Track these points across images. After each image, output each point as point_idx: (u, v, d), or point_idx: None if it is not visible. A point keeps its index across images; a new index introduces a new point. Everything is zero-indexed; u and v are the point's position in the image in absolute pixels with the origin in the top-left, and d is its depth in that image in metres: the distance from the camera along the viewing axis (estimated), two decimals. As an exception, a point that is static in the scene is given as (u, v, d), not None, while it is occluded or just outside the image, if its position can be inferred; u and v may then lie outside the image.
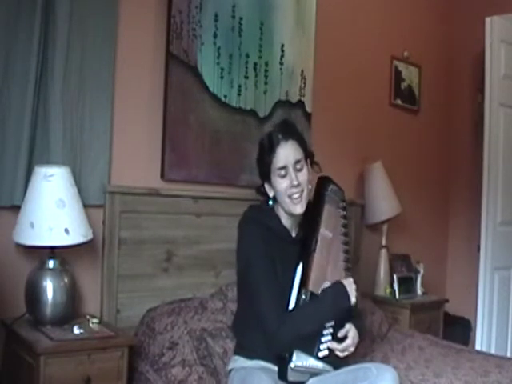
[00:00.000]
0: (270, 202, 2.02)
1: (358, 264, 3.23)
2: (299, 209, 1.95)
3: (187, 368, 2.08)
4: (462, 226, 4.02)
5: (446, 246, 4.14)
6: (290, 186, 1.93)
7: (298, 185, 1.92)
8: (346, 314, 1.92)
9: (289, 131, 1.98)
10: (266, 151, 1.96)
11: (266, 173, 1.98)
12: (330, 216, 2.02)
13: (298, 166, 1.94)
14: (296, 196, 1.93)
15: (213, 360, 2.14)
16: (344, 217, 2.07)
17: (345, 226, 2.07)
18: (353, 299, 1.90)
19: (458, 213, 4.07)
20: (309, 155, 2.03)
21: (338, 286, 1.90)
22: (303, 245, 1.97)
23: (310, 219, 2.00)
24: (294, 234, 2.04)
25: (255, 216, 2.01)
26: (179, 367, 2.08)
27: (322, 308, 1.87)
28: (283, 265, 1.92)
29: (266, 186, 2.02)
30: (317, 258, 1.93)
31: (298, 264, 1.93)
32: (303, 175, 1.95)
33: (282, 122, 2.12)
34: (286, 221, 2.02)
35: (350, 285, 1.92)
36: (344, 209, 2.09)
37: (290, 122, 2.13)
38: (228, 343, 2.18)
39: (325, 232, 1.98)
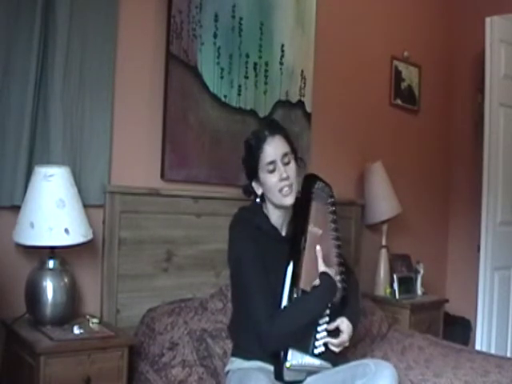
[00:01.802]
0: (258, 200, 2.03)
1: (358, 264, 3.23)
2: (289, 200, 1.96)
3: (187, 368, 2.08)
4: (462, 226, 4.02)
5: (446, 246, 4.14)
6: (279, 180, 1.94)
7: (288, 177, 1.94)
8: (338, 305, 1.93)
9: (274, 127, 2.01)
10: (254, 149, 1.97)
11: (253, 170, 1.99)
12: (318, 213, 2.02)
13: (286, 160, 1.96)
14: (286, 189, 1.95)
15: (213, 361, 2.14)
16: (333, 212, 2.07)
17: (334, 221, 2.06)
18: (338, 285, 1.92)
19: (458, 213, 4.07)
20: (288, 136, 2.04)
21: (325, 279, 1.90)
22: (292, 243, 1.98)
23: (298, 217, 2.01)
24: (283, 233, 2.04)
25: (245, 217, 2.02)
26: (179, 368, 2.08)
27: (312, 301, 1.87)
28: (274, 264, 1.92)
29: (254, 184, 2.03)
30: (307, 256, 1.93)
31: (288, 263, 1.94)
32: (291, 168, 1.97)
33: (266, 121, 2.16)
34: (275, 220, 2.03)
35: (333, 273, 1.93)
36: (333, 204, 2.09)
37: (274, 119, 2.16)
38: (228, 344, 2.18)
39: (314, 229, 1.98)
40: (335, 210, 2.09)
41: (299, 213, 2.01)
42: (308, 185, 2.06)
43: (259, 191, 2.02)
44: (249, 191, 2.07)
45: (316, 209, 2.02)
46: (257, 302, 1.85)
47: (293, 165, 1.98)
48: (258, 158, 1.95)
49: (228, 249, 2.04)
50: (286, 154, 1.96)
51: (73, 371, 1.85)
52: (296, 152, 2.05)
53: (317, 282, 1.90)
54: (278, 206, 2.00)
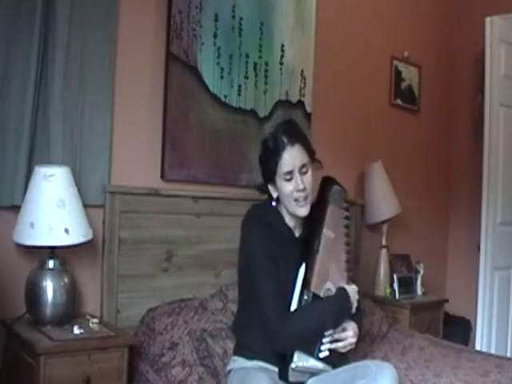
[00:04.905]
0: (274, 203, 2.01)
1: (358, 264, 3.23)
2: (304, 211, 1.95)
3: (187, 368, 2.08)
4: (462, 226, 4.02)
5: (446, 246, 4.14)
6: (295, 190, 1.92)
7: (304, 189, 1.92)
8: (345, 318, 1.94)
9: (294, 134, 1.96)
10: (272, 154, 1.94)
11: (270, 175, 1.97)
12: (333, 216, 2.02)
13: (304, 170, 1.94)
14: (301, 199, 1.93)
15: (213, 360, 2.14)
16: (347, 217, 2.08)
17: (347, 226, 2.07)
18: (353, 309, 1.93)
19: (458, 213, 4.07)
20: (308, 146, 2.01)
21: (342, 294, 1.91)
22: (306, 245, 1.97)
23: (314, 220, 2.00)
24: (297, 234, 2.03)
25: (259, 215, 2.00)
26: (179, 367, 2.08)
27: (325, 313, 1.87)
28: (285, 265, 1.92)
29: (270, 187, 2.00)
30: (319, 259, 1.93)
31: (300, 264, 1.93)
32: (308, 178, 1.95)
33: (285, 122, 2.07)
34: (289, 220, 2.01)
35: (353, 292, 1.95)
36: (347, 209, 2.09)
37: (294, 122, 2.09)
38: (228, 343, 2.18)
39: (327, 232, 1.98)
40: (348, 215, 2.09)
41: (315, 215, 1.99)
42: (325, 187, 2.05)
43: (275, 194, 2.00)
44: (263, 190, 2.05)
45: (331, 212, 2.02)
46: (267, 301, 1.84)
47: (310, 174, 1.95)
48: (275, 165, 1.93)
49: (240, 245, 2.01)
50: (304, 165, 1.93)
51: (73, 371, 1.85)
52: (314, 154, 2.02)
53: (328, 284, 1.91)
54: (291, 214, 2.00)
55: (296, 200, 1.93)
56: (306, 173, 1.94)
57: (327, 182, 2.07)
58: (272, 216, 2.00)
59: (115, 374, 1.95)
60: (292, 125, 2.05)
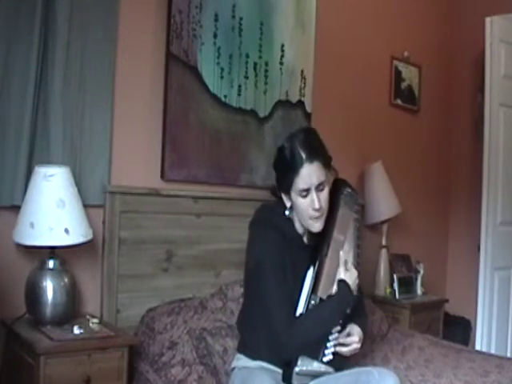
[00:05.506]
0: (287, 212, 1.95)
1: (358, 264, 3.22)
2: (318, 227, 1.90)
3: (187, 367, 2.08)
4: (462, 226, 4.02)
5: (446, 246, 4.14)
6: (311, 209, 1.87)
7: (320, 208, 1.87)
8: (349, 313, 1.93)
9: (314, 149, 1.87)
10: (289, 168, 1.86)
11: (285, 188, 1.90)
12: (343, 219, 1.98)
13: (321, 187, 1.87)
14: (316, 217, 1.88)
15: (212, 359, 2.14)
16: (357, 220, 2.05)
17: (356, 228, 2.04)
18: (355, 292, 1.92)
19: (458, 213, 4.07)
20: (327, 162, 1.93)
21: (344, 290, 1.88)
22: (315, 249, 1.94)
23: (325, 223, 1.94)
24: (305, 240, 2.00)
25: (269, 218, 1.96)
26: (179, 367, 2.08)
27: (331, 317, 1.85)
28: (294, 268, 1.90)
29: (284, 196, 1.94)
30: (327, 264, 1.90)
31: (308, 268, 1.91)
32: (324, 195, 1.88)
33: (304, 132, 1.95)
34: (299, 227, 1.97)
35: (352, 279, 1.91)
36: (357, 212, 2.07)
37: (313, 133, 1.96)
38: (228, 342, 2.19)
39: (337, 235, 1.95)
40: (358, 217, 2.07)
41: (326, 218, 1.94)
42: (337, 190, 2.01)
43: (288, 204, 1.94)
44: (277, 195, 1.99)
45: (342, 215, 1.98)
46: (276, 310, 1.82)
47: (326, 191, 1.89)
48: (292, 179, 1.85)
49: (248, 247, 1.97)
50: (321, 183, 1.86)
51: (73, 371, 1.85)
52: (330, 160, 1.95)
53: (335, 289, 1.88)
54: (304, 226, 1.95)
55: (311, 217, 1.89)
56: (322, 190, 1.88)
57: (339, 184, 2.03)
58: (282, 221, 1.95)
59: (115, 374, 1.95)
60: (312, 136, 1.93)
